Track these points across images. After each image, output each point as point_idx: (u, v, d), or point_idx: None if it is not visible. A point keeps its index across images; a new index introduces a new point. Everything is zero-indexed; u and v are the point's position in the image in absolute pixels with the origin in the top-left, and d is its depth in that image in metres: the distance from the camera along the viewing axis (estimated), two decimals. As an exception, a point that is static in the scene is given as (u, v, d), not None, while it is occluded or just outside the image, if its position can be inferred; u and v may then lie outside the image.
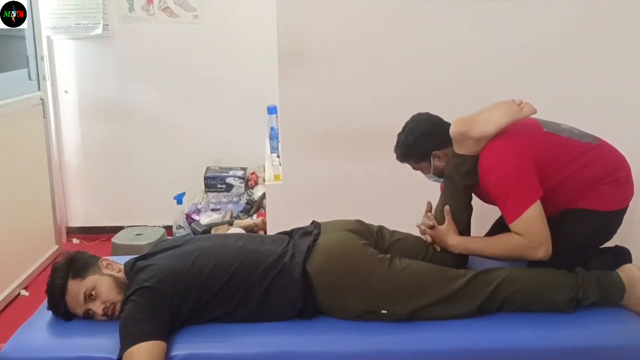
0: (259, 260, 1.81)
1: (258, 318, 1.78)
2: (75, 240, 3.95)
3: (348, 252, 1.85)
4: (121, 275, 1.83)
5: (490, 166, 1.91)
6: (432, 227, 2.01)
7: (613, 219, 2.01)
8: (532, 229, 1.85)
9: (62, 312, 1.80)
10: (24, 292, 3.17)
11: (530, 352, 1.72)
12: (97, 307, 1.77)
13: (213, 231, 3.32)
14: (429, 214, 2.06)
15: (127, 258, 1.94)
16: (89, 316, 1.78)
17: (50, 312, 1.84)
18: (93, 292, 1.77)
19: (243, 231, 3.10)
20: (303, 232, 1.99)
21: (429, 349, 1.72)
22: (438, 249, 2.02)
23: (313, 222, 2.06)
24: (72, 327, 1.79)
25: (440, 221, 2.01)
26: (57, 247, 3.69)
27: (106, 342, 1.69)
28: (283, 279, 1.78)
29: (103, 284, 1.78)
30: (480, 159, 1.93)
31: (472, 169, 1.94)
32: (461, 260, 2.02)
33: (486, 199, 2.04)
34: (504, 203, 1.89)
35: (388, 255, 1.87)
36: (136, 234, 3.46)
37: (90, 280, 1.78)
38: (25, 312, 2.03)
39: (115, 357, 1.62)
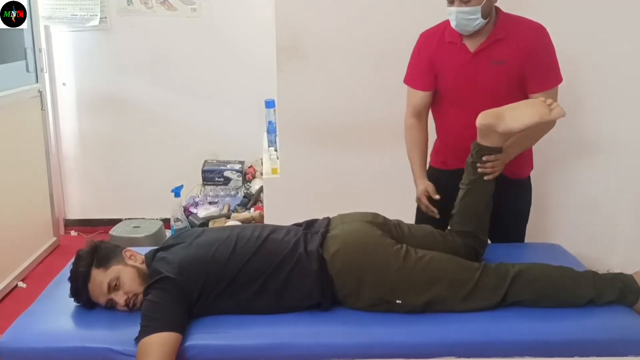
0: (273, 250, 1.82)
1: (275, 311, 1.79)
2: (73, 233, 3.96)
3: (364, 241, 1.85)
4: (143, 266, 1.84)
5: (536, 41, 2.04)
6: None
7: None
8: (555, 99, 2.03)
9: (84, 300, 1.80)
10: (21, 284, 3.19)
11: (531, 346, 1.71)
12: (120, 298, 1.77)
13: (211, 224, 3.34)
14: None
15: (143, 249, 1.96)
16: (110, 306, 1.79)
17: (49, 305, 1.86)
18: (117, 283, 1.77)
19: (240, 224, 3.11)
20: (315, 223, 1.99)
21: (434, 342, 1.72)
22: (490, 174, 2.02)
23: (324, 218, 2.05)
24: (70, 318, 1.79)
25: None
26: (54, 239, 3.70)
27: (104, 333, 1.70)
28: (300, 270, 1.79)
29: (127, 274, 1.79)
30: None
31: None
32: (477, 252, 2.04)
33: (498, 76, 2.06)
34: (548, 68, 2.05)
35: (404, 246, 1.87)
36: (134, 227, 3.47)
37: (114, 270, 1.78)
38: (22, 304, 2.04)
39: (117, 348, 1.63)
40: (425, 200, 2.19)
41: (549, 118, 1.91)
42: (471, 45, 2.08)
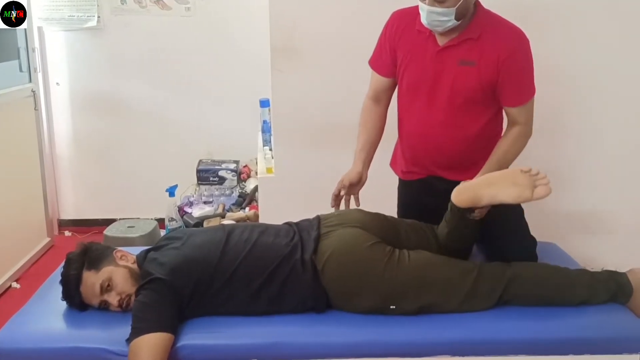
0: (265, 254, 1.80)
1: (270, 314, 1.78)
2: (67, 233, 3.95)
3: (353, 252, 1.81)
4: (135, 266, 1.83)
5: (515, 47, 1.84)
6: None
7: None
8: (532, 112, 1.92)
9: (76, 302, 1.80)
10: (15, 285, 3.17)
11: (526, 344, 1.72)
12: (113, 299, 1.77)
13: (205, 224, 3.33)
14: None
15: (138, 249, 1.95)
16: (104, 307, 1.79)
17: (42, 305, 1.85)
18: (109, 284, 1.77)
19: (233, 223, 3.10)
20: (307, 225, 1.95)
21: (431, 340, 1.72)
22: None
23: (316, 216, 2.00)
24: (64, 318, 1.79)
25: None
26: (48, 239, 3.69)
27: (98, 333, 1.69)
28: (294, 278, 1.77)
29: (119, 275, 1.78)
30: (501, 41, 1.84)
31: None
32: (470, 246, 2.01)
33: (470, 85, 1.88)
34: (525, 80, 1.88)
35: (397, 252, 1.82)
36: (128, 227, 3.46)
37: (106, 271, 1.78)
38: (16, 304, 2.03)
39: (111, 348, 1.63)
40: (336, 189, 2.04)
41: (529, 200, 1.74)
42: (440, 39, 1.88)
